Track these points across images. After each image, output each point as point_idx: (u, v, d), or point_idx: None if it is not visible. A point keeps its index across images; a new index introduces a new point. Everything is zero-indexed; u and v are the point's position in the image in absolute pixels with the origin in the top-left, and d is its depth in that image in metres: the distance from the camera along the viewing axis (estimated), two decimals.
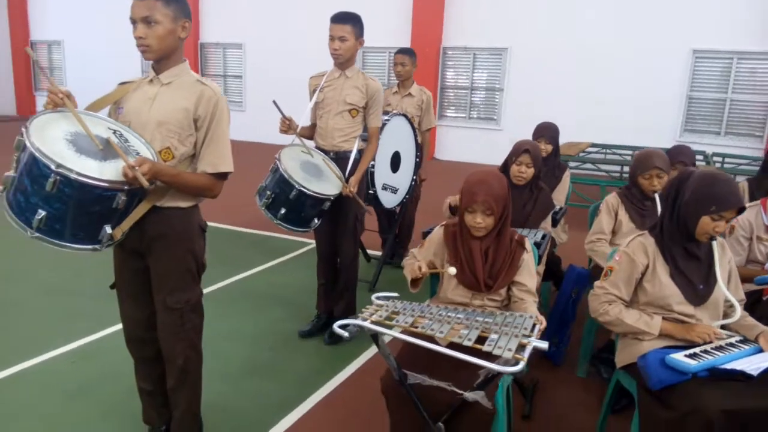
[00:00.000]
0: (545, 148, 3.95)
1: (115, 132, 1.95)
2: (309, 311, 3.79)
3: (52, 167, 1.70)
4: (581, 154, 8.73)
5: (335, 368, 3.13)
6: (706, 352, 2.00)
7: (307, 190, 2.95)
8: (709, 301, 2.18)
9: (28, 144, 1.73)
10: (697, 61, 9.53)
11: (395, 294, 2.23)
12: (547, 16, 10.24)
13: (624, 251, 2.26)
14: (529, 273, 2.29)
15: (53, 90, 1.87)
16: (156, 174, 1.86)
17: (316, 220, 3.15)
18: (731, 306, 2.21)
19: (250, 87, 13.48)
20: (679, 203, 2.16)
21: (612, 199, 3.19)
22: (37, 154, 1.71)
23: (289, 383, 2.96)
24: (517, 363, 1.65)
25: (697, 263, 2.19)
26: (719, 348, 2.03)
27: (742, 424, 1.83)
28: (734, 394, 1.87)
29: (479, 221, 2.20)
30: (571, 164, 8.35)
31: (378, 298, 2.15)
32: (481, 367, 1.95)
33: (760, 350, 2.03)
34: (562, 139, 9.79)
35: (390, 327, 1.89)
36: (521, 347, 1.72)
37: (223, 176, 2.12)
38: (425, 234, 3.03)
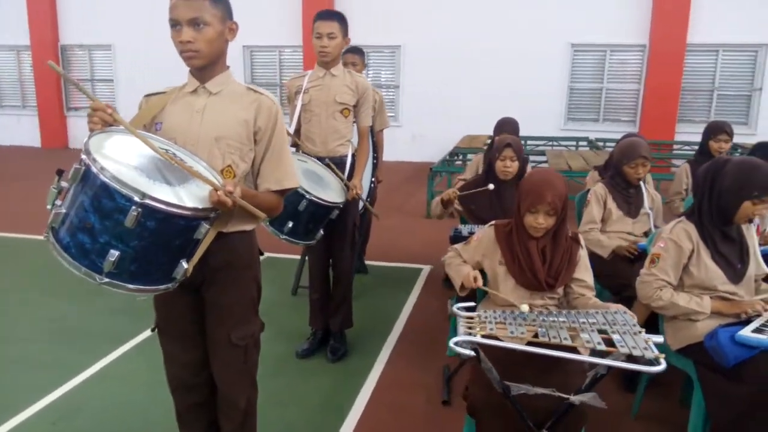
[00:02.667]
0: None
1: (167, 152, 1.66)
2: (293, 327, 3.57)
3: (136, 198, 1.40)
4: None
5: (354, 387, 2.96)
6: (764, 325, 2.15)
7: (318, 199, 2.74)
8: (745, 278, 2.34)
9: (97, 172, 1.41)
10: (575, 54, 10.32)
11: (472, 303, 2.15)
12: (437, 13, 10.49)
13: (669, 238, 2.36)
14: (585, 268, 2.31)
15: (99, 107, 1.54)
16: (242, 197, 1.61)
17: (321, 231, 2.95)
18: (756, 280, 2.41)
19: (123, 92, 12.35)
20: (718, 190, 2.29)
21: (600, 189, 3.32)
22: (113, 184, 1.40)
23: (314, 410, 2.75)
24: (658, 362, 1.65)
25: (733, 244, 2.34)
26: None
27: None
28: None
29: (541, 222, 2.18)
30: (473, 156, 8.67)
31: (459, 309, 2.06)
32: (578, 368, 1.95)
33: None
34: (462, 132, 10.20)
35: (503, 339, 1.80)
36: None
37: (284, 193, 1.90)
38: (452, 238, 2.97)
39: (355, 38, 12.42)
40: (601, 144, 9.69)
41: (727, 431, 2.13)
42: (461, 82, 10.57)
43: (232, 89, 1.82)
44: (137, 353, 3.29)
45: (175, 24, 1.69)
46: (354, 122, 3.18)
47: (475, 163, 4.23)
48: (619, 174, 3.30)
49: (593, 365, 1.87)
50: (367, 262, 4.80)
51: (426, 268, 4.86)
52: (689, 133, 9.73)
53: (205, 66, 1.76)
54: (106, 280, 1.46)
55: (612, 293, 3.17)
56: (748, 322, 2.20)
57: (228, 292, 1.84)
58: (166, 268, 1.56)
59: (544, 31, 10.12)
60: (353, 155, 3.17)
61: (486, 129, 10.34)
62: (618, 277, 3.11)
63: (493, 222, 2.39)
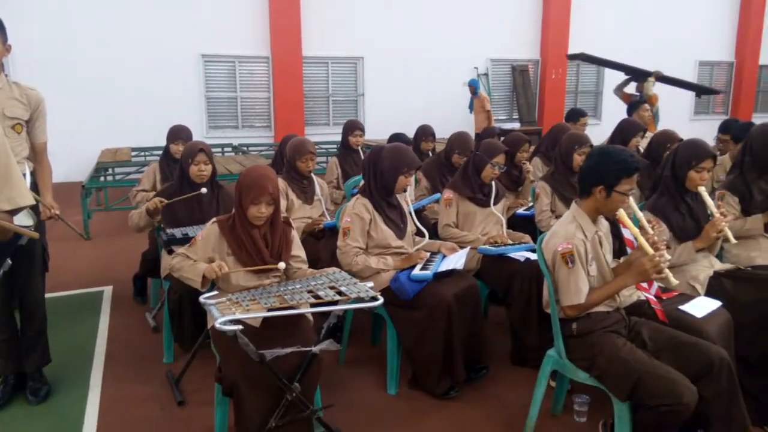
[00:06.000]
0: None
1: None
2: None
3: None
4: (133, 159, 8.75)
5: (75, 417, 2.77)
6: (425, 264, 2.93)
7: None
8: (406, 234, 3.12)
9: None
10: (206, 64, 10.70)
11: (215, 292, 2.34)
12: (71, 25, 9.49)
13: (352, 212, 2.96)
14: (298, 246, 2.72)
15: None
16: None
17: (9, 261, 2.63)
18: (411, 235, 3.23)
19: None
20: (380, 170, 2.98)
21: (280, 183, 3.78)
22: None
23: None
24: (376, 298, 2.18)
25: (396, 210, 3.09)
26: (428, 261, 2.99)
27: (459, 300, 2.84)
28: (452, 283, 2.86)
29: (263, 211, 2.49)
30: (122, 170, 8.34)
31: (208, 298, 2.23)
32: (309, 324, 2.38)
33: (444, 256, 3.08)
34: (98, 147, 9.51)
35: (261, 311, 2.08)
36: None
37: (15, 213, 1.77)
38: (166, 242, 3.00)
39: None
40: (245, 149, 10.35)
41: (414, 347, 2.86)
42: (90, 95, 9.83)
43: None
44: None
45: None
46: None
47: (152, 171, 4.24)
48: (293, 169, 3.83)
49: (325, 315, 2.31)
50: None
51: (107, 289, 4.59)
52: (317, 135, 11.19)
53: None
54: None
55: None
56: (413, 267, 2.97)
57: None
58: None
59: (174, 41, 10.18)
60: (32, 174, 2.90)
61: (125, 141, 9.98)
62: (309, 254, 3.64)
63: (215, 219, 2.59)
